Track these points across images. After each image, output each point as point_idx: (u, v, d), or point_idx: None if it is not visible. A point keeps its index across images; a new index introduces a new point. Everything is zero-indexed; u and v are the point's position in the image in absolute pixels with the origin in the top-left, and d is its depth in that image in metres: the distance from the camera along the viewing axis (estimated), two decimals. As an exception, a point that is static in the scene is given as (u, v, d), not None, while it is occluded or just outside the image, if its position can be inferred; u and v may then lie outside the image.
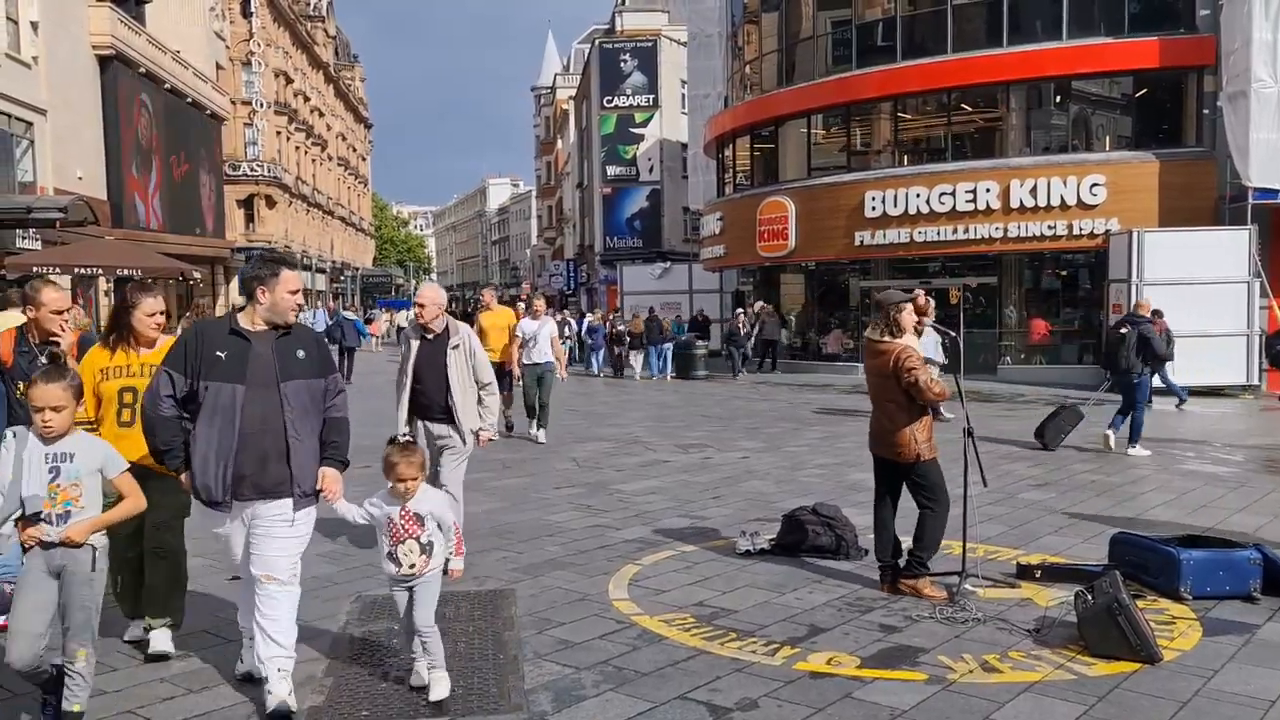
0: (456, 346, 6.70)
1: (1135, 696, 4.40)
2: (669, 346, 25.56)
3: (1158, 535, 6.37)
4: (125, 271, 25.42)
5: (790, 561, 6.70)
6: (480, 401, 6.79)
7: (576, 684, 4.60)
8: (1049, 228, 21.78)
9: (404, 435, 5.83)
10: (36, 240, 25.24)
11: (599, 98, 48.38)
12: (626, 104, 47.82)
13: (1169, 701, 4.34)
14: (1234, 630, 5.25)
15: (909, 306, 5.99)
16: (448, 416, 6.65)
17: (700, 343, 26.03)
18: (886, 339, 5.99)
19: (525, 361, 12.42)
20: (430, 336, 6.77)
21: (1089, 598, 5.02)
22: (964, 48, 23.18)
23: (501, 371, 11.85)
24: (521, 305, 15.14)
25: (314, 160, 60.19)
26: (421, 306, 6.83)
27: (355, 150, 77.62)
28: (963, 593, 5.81)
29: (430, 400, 6.69)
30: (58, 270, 24.50)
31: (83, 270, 24.78)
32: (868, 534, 6.94)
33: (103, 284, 28.58)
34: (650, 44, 47.73)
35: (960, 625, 5.38)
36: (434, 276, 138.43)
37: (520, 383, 12.72)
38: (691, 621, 5.50)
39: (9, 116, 24.87)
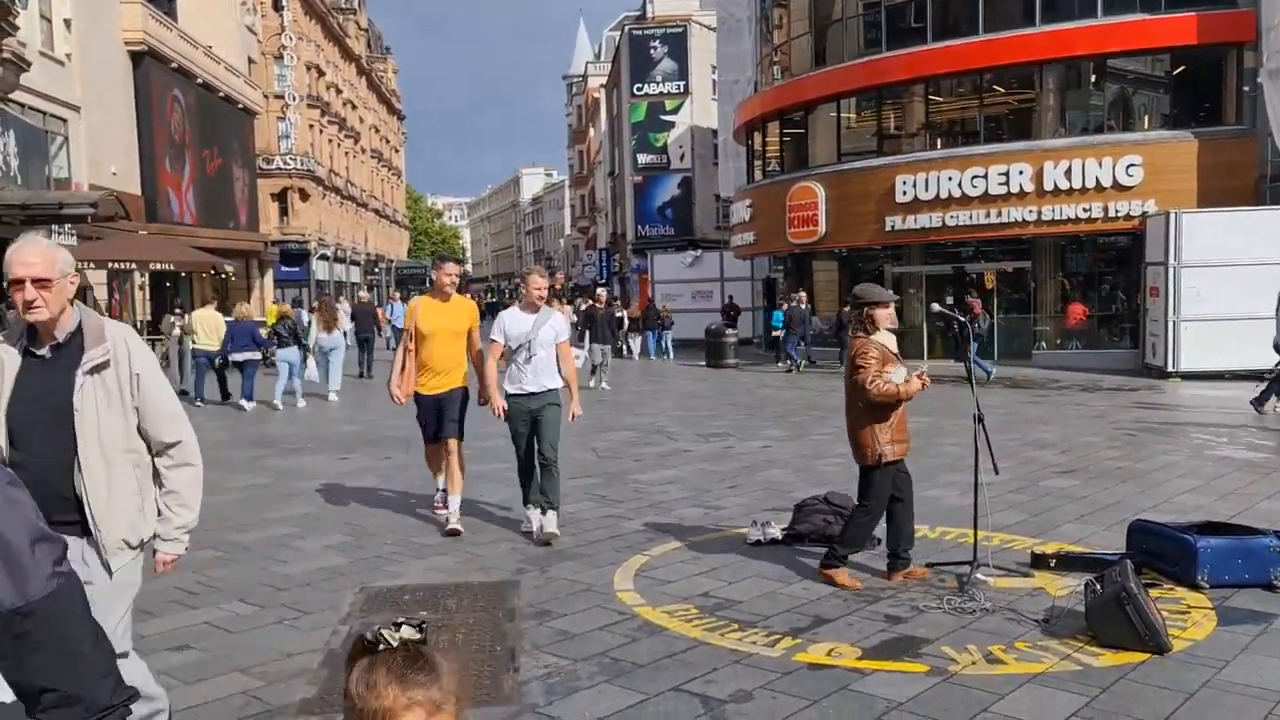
0: (98, 369, 3.14)
1: (1140, 688, 4.28)
2: (669, 332, 28.65)
3: (1175, 522, 6.21)
4: (159, 266, 25.86)
5: (800, 551, 6.62)
6: (159, 482, 3.30)
7: (572, 675, 4.56)
8: (1084, 210, 21.39)
9: (387, 629, 1.56)
10: (72, 236, 25.64)
11: (629, 85, 48.25)
12: (657, 91, 47.66)
13: (1174, 693, 4.22)
14: (1250, 620, 5.10)
15: (887, 305, 5.89)
16: (77, 519, 3.09)
17: (730, 331, 25.94)
18: (860, 335, 5.93)
19: (514, 389, 7.13)
20: (43, 352, 3.17)
21: (1098, 587, 4.90)
22: (996, 28, 22.79)
23: (439, 406, 7.42)
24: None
25: (347, 153, 60.58)
26: (19, 286, 3.08)
27: (388, 142, 78.04)
28: (973, 582, 5.71)
29: (42, 484, 2.89)
30: (92, 265, 24.92)
31: (117, 265, 25.20)
32: (881, 524, 6.85)
33: (137, 278, 28.98)
34: (680, 30, 47.49)
35: (968, 616, 5.28)
36: (470, 269, 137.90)
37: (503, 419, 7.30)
38: (694, 612, 5.44)
39: (44, 114, 25.24)
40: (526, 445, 7.24)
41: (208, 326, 16.85)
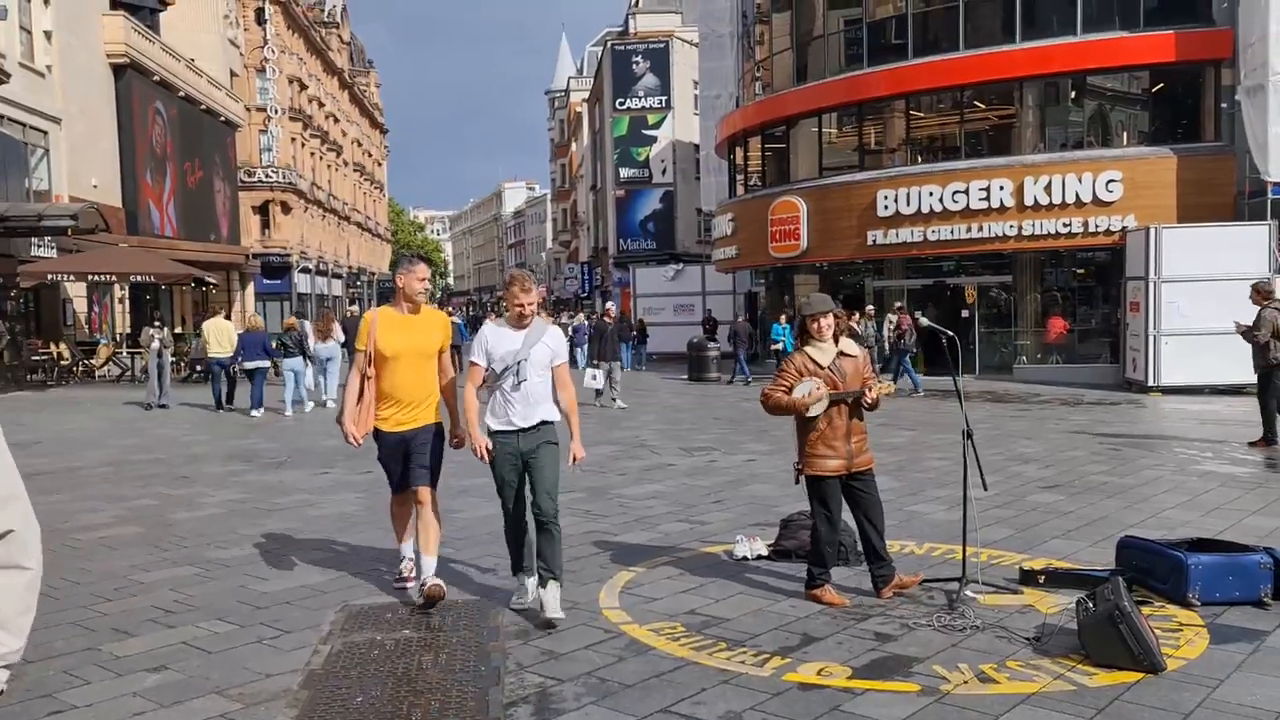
0: None
1: (1136, 708, 4.23)
2: (643, 346, 30.62)
3: (1165, 539, 6.18)
4: (139, 278, 25.63)
5: (787, 567, 6.55)
6: None
7: (557, 697, 4.47)
8: (1064, 225, 21.54)
9: None
10: (52, 248, 25.40)
11: (611, 100, 48.36)
12: (639, 106, 47.80)
13: (1171, 713, 4.17)
14: (1242, 638, 5.07)
15: (817, 318, 5.85)
16: None
17: (712, 344, 25.94)
18: (798, 347, 6.05)
19: (499, 425, 5.60)
20: None
21: (1090, 605, 4.85)
22: (977, 44, 22.98)
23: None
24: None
25: (329, 166, 60.39)
26: None
27: (371, 155, 77.86)
28: (962, 599, 5.66)
29: None
30: (72, 278, 24.70)
31: (97, 277, 24.98)
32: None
33: (117, 291, 28.73)
34: (662, 45, 47.68)
35: (958, 633, 5.22)
36: (452, 282, 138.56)
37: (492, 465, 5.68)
38: (681, 630, 5.36)
39: (24, 126, 25.04)
40: (517, 496, 5.63)
41: (219, 335, 18.13)
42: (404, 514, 6.15)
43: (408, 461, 5.85)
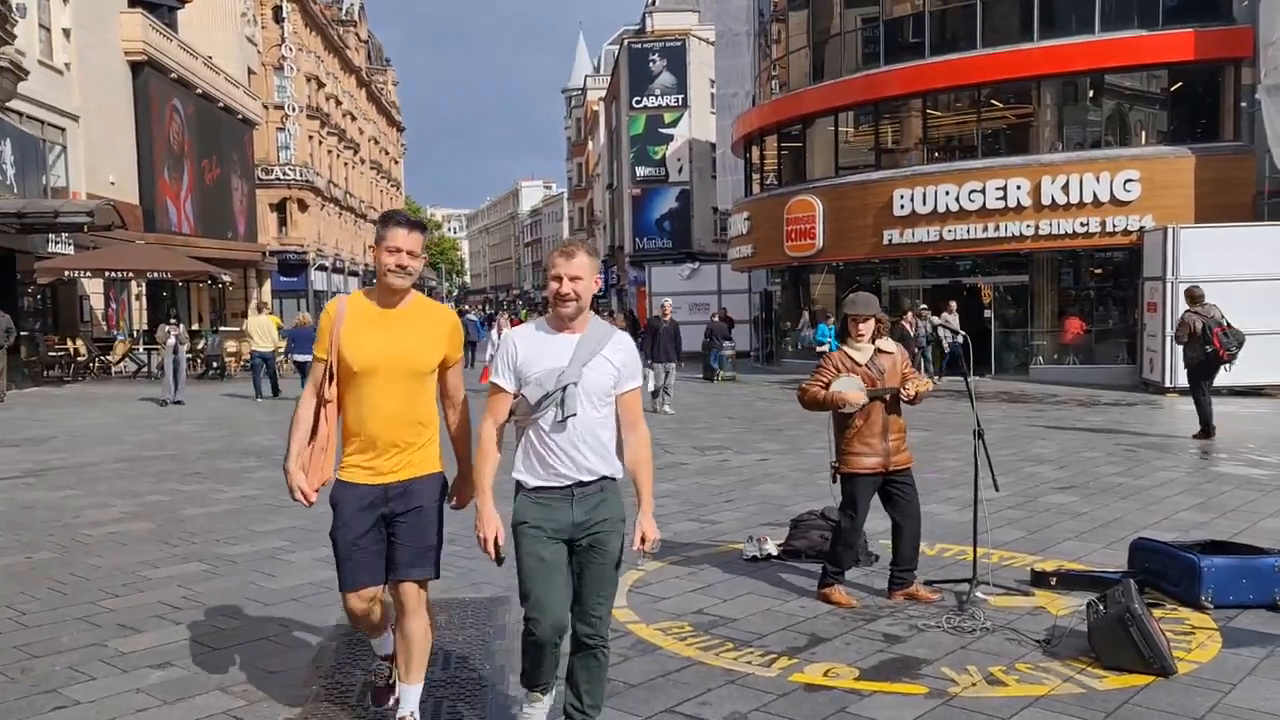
0: None
1: (1145, 712, 4.18)
2: None
3: (1178, 541, 6.11)
4: (156, 275, 25.76)
5: (797, 568, 6.51)
6: None
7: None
8: (1081, 225, 21.39)
9: None
10: (69, 245, 25.56)
11: (628, 98, 48.35)
12: (655, 104, 47.77)
13: (1181, 717, 4.11)
14: (1255, 642, 5.00)
15: (858, 319, 5.80)
16: None
17: (726, 344, 25.88)
18: (840, 345, 6.01)
19: (537, 479, 3.56)
20: None
21: (1101, 607, 4.80)
22: (994, 43, 22.85)
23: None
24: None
25: (346, 164, 60.58)
26: None
27: (388, 154, 78.07)
28: (972, 601, 5.61)
29: None
30: (89, 275, 24.85)
31: (113, 274, 25.12)
32: (877, 540, 6.78)
33: (134, 288, 28.89)
34: (679, 44, 47.64)
35: (968, 635, 5.17)
36: (468, 279, 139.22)
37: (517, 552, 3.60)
38: (688, 630, 5.33)
39: (42, 123, 25.18)
40: (556, 593, 3.54)
41: (261, 331, 19.55)
42: (369, 615, 3.85)
43: (392, 538, 3.71)
